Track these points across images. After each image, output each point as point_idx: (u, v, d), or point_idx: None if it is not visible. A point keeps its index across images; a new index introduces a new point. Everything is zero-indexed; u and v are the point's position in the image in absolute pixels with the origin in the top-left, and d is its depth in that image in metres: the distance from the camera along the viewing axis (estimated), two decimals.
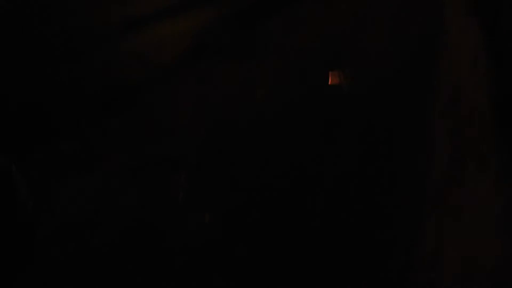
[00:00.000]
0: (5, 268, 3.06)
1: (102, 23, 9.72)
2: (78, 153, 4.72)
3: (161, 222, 3.74)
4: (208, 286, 3.12)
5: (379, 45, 7.53)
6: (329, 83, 6.32)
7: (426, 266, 3.28)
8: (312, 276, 3.21)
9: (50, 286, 3.15)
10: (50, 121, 5.40)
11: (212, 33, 8.80)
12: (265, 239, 3.54)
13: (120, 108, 5.65)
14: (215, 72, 6.62)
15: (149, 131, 5.06)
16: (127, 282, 3.18)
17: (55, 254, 3.39)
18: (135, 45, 8.34)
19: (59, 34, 8.66)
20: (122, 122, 5.30)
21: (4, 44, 7.46)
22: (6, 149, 3.49)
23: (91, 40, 8.57)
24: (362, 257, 3.37)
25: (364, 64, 6.95)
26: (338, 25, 8.69)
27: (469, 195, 3.92)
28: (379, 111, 5.54)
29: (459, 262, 3.26)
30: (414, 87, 6.25)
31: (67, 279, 3.19)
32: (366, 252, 3.40)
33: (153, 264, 3.32)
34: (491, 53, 7.13)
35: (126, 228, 3.68)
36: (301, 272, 3.24)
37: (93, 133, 5.08)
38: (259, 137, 4.90)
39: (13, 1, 9.93)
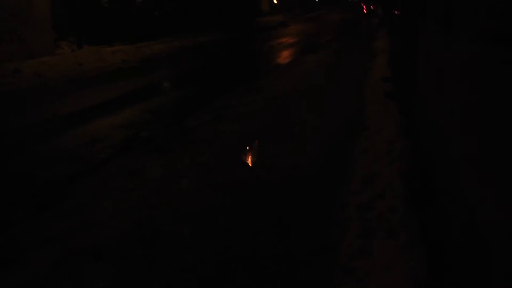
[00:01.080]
0: None
1: (38, 120, 9.96)
2: (4, 248, 4.74)
3: None
4: None
5: (306, 128, 7.93)
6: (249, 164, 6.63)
7: None
8: None
9: None
10: None
11: (145, 126, 9.12)
12: None
13: (48, 202, 5.71)
14: (144, 165, 6.76)
15: (75, 223, 5.10)
16: None
17: None
18: (71, 139, 8.54)
19: None
20: (49, 216, 5.33)
21: None
22: None
23: (24, 136, 8.77)
24: None
25: (286, 147, 7.32)
26: (267, 115, 9.14)
27: (377, 262, 4.14)
28: (296, 193, 5.84)
29: None
30: (332, 170, 6.62)
31: None
32: None
33: None
34: (408, 133, 7.62)
35: None
36: None
37: (19, 228, 5.10)
38: (176, 230, 5.04)
39: None
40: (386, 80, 12.52)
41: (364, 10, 53.06)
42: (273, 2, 69.13)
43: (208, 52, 23.82)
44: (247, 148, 7.12)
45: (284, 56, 21.15)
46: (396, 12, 16.12)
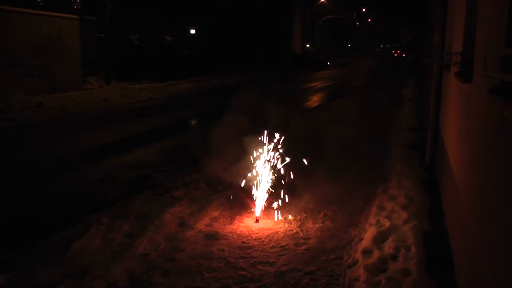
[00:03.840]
0: None
1: (47, 155, 9.83)
2: None
3: None
4: None
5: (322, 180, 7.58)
6: None
7: None
8: None
9: None
10: None
11: (159, 167, 8.89)
12: None
13: (38, 246, 5.35)
14: (148, 210, 6.46)
15: (59, 271, 4.75)
16: None
17: None
18: (80, 176, 8.34)
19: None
20: (35, 260, 4.98)
21: None
22: None
23: (31, 172, 8.63)
24: None
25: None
26: None
27: None
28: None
29: None
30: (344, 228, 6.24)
31: None
32: None
33: None
34: (429, 188, 7.23)
35: None
36: None
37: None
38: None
39: None
40: (411, 130, 12.19)
41: (395, 55, 53.12)
42: (306, 46, 69.74)
43: (235, 94, 23.65)
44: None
45: (311, 101, 20.96)
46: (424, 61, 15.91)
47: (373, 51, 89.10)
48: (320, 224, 6.18)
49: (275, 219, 6.30)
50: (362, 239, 5.54)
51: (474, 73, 4.11)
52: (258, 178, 6.46)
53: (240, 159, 7.15)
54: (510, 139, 2.52)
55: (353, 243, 5.56)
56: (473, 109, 4.06)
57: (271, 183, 6.57)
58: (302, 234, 5.85)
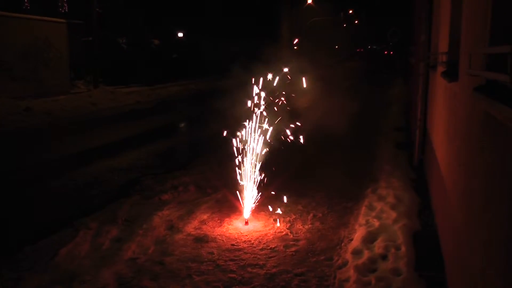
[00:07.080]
0: None
1: (35, 160, 9.77)
2: None
3: None
4: None
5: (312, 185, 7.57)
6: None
7: None
8: None
9: None
10: None
11: (149, 170, 8.84)
12: None
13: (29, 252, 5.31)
14: (137, 214, 6.43)
15: (47, 277, 4.71)
16: None
17: None
18: (68, 182, 8.27)
19: None
20: (22, 267, 4.94)
21: None
22: None
23: (19, 177, 8.57)
24: None
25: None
26: None
27: None
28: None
29: None
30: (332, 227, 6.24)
31: None
32: None
33: None
34: (417, 187, 7.25)
35: None
36: None
37: None
38: None
39: None
40: (399, 129, 12.25)
41: (385, 53, 52.42)
42: (294, 48, 69.69)
43: (223, 97, 23.68)
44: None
45: (298, 101, 20.92)
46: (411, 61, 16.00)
47: (361, 52, 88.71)
48: (310, 226, 6.17)
49: (264, 221, 6.29)
50: (351, 240, 5.55)
51: (460, 72, 4.13)
52: (247, 181, 6.44)
53: (229, 161, 7.15)
54: (495, 137, 2.52)
55: (342, 244, 5.56)
56: (459, 108, 4.07)
57: (260, 185, 6.55)
58: (291, 236, 5.84)
